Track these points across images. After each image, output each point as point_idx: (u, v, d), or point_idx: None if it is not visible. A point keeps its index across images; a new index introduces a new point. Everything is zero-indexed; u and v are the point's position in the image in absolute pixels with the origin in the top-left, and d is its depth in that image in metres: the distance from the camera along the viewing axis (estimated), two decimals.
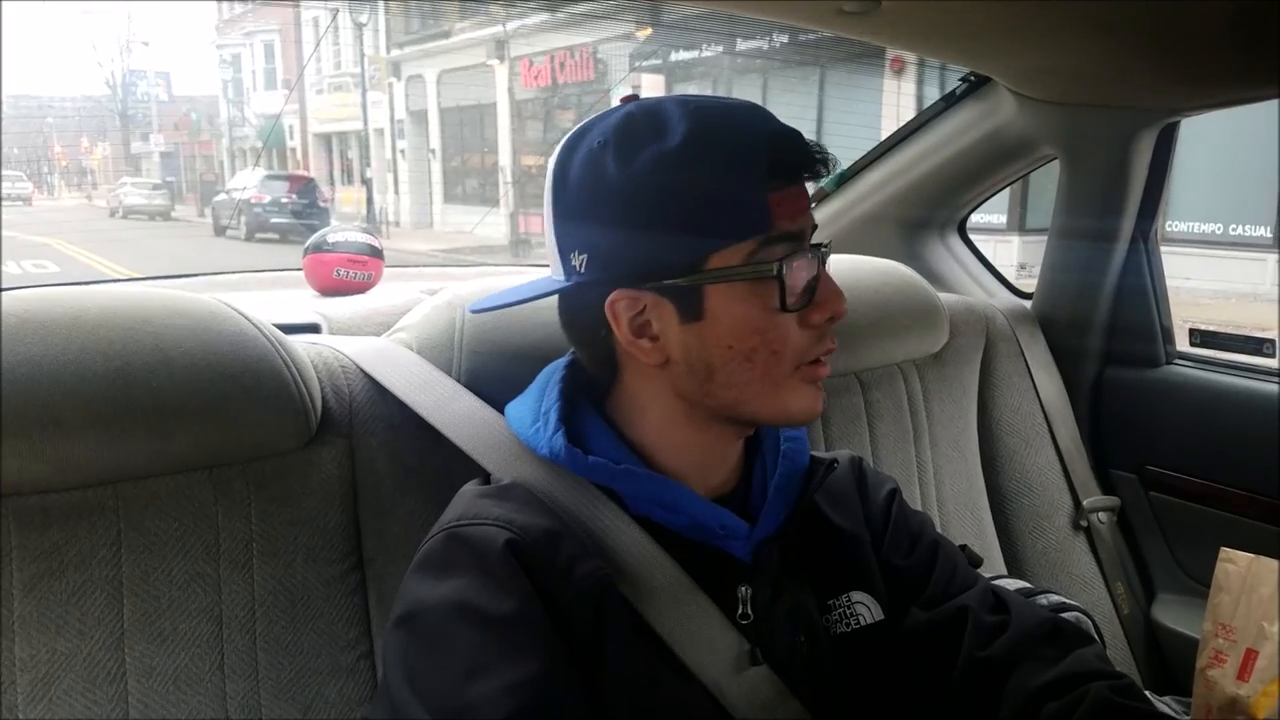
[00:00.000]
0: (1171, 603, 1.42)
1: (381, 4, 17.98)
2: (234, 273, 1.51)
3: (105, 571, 0.74)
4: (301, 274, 1.35)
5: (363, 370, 0.88)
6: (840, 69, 10.50)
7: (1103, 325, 1.47)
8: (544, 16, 13.96)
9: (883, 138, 1.61)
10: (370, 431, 0.86)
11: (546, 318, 0.80)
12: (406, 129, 19.02)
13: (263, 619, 0.78)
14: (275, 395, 0.79)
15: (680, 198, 0.64)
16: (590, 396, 0.74)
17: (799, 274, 0.66)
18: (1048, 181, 1.52)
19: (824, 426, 1.18)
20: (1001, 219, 8.40)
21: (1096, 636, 0.94)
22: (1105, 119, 1.34)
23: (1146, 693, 0.86)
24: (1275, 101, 1.19)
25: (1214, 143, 6.99)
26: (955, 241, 1.70)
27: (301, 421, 0.81)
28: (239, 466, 0.79)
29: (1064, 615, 0.87)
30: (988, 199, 1.64)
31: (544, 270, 0.75)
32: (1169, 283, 1.48)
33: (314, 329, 1.09)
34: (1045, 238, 1.53)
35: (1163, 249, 1.50)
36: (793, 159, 0.66)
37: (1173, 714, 0.99)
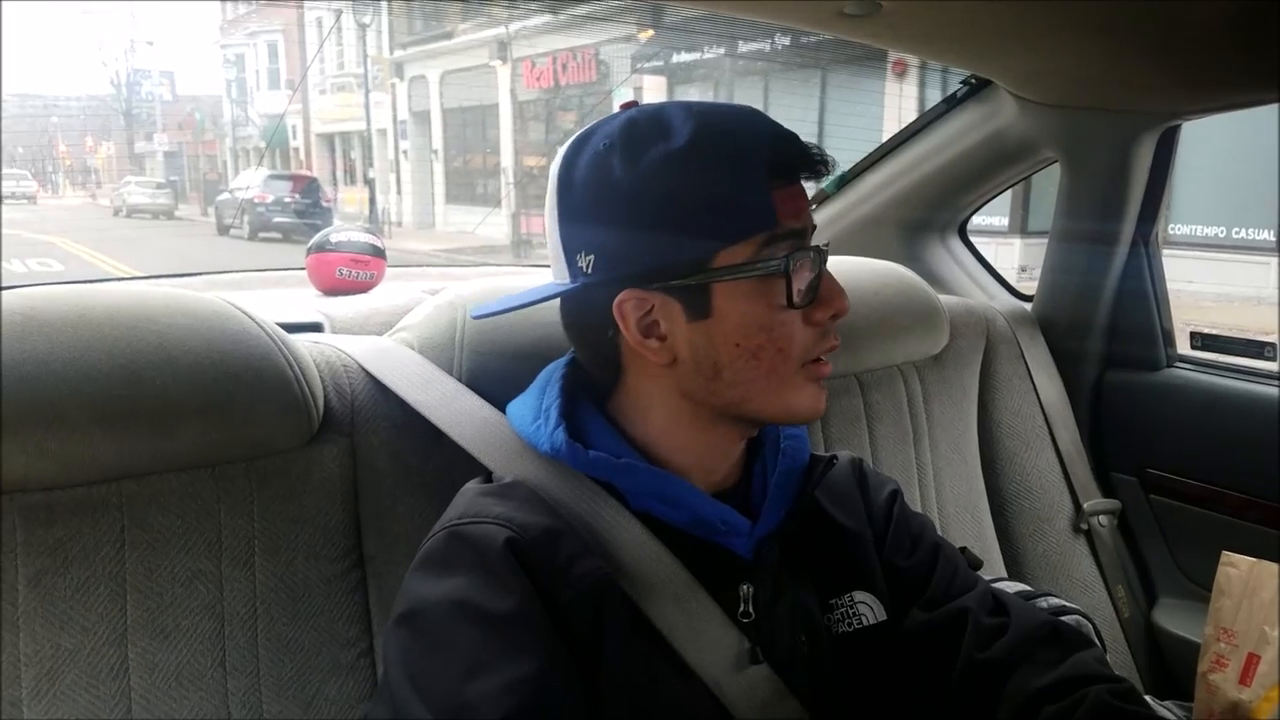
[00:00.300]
0: (1172, 606, 1.42)
1: (385, 5, 18.01)
2: (237, 272, 1.52)
3: (109, 568, 0.74)
4: (304, 273, 1.35)
5: (365, 369, 0.89)
6: (842, 71, 10.51)
7: (1103, 328, 1.47)
8: (546, 18, 13.98)
9: (884, 140, 1.61)
10: (372, 430, 0.86)
11: (546, 318, 0.80)
12: (409, 129, 19.05)
13: (264, 616, 0.79)
14: (278, 393, 0.80)
15: (687, 197, 0.65)
16: (591, 395, 0.74)
17: (803, 271, 0.67)
18: (1049, 184, 1.52)
19: (823, 428, 1.18)
20: (1003, 221, 8.40)
21: (1097, 640, 0.94)
22: (1106, 122, 1.34)
23: (1147, 697, 0.86)
24: (1277, 105, 1.19)
25: (1217, 146, 6.98)
26: (956, 244, 1.70)
27: (304, 420, 0.81)
28: (242, 464, 0.79)
29: (1064, 618, 0.87)
30: (989, 201, 1.64)
31: (545, 271, 0.75)
32: (1171, 286, 1.48)
33: (316, 328, 1.09)
34: (1046, 241, 1.53)
35: (1165, 252, 1.50)
36: (793, 158, 0.67)
37: (1173, 719, 0.99)
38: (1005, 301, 1.60)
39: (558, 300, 0.74)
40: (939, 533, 0.86)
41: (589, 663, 0.64)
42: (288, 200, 15.64)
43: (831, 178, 1.41)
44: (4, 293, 0.76)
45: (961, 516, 1.30)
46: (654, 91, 12.55)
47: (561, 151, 0.71)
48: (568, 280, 0.70)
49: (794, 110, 10.35)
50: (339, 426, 0.85)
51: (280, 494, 0.81)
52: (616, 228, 0.66)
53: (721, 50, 11.86)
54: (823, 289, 0.68)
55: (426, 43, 18.15)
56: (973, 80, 1.45)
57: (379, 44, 19.25)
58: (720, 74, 12.35)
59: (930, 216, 1.64)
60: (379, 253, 1.36)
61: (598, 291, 0.68)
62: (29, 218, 20.46)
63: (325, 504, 0.83)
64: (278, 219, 15.24)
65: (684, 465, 0.72)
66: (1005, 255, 7.59)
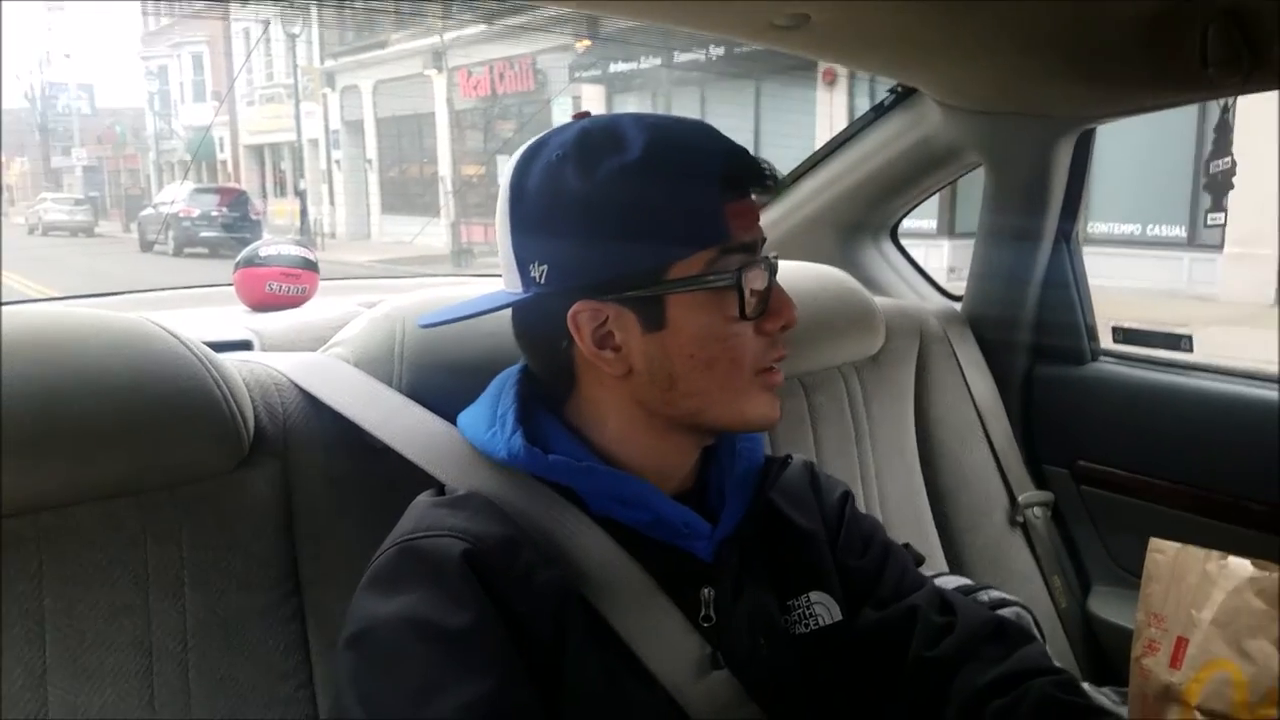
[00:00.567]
0: (1106, 594, 1.46)
1: (315, 15, 17.65)
2: (161, 290, 1.47)
3: (25, 606, 0.70)
4: (232, 290, 1.32)
5: (299, 387, 0.86)
6: (775, 81, 10.66)
7: (1030, 324, 1.52)
8: (482, 28, 13.87)
9: (817, 147, 1.64)
10: (306, 451, 0.84)
11: (490, 329, 0.79)
12: (342, 139, 18.69)
13: (195, 650, 0.75)
14: (205, 415, 0.76)
15: (642, 209, 0.66)
16: (546, 403, 0.74)
17: (755, 283, 0.68)
18: (975, 188, 1.56)
19: (770, 431, 1.19)
20: (932, 224, 8.59)
21: (1036, 631, 0.96)
22: (1026, 126, 1.39)
23: (1085, 685, 0.88)
24: (1184, 108, 1.25)
25: (1131, 146, 7.28)
26: (888, 246, 1.73)
27: (233, 442, 0.78)
28: (167, 491, 0.76)
29: (1004, 611, 0.89)
30: (918, 204, 1.68)
31: (486, 280, 0.74)
32: (1093, 282, 1.53)
33: (246, 346, 1.06)
34: (973, 242, 1.57)
35: (1085, 249, 1.56)
36: (745, 173, 0.69)
37: (1111, 705, 1.01)
38: (936, 302, 1.64)
39: (505, 311, 0.73)
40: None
41: (549, 673, 0.64)
42: (215, 214, 15.22)
43: None
44: None
45: (903, 512, 1.33)
46: (592, 101, 12.54)
47: (513, 160, 0.70)
48: (520, 290, 0.70)
49: (730, 119, 10.46)
50: (271, 448, 0.82)
51: (210, 521, 0.77)
52: (570, 238, 0.66)
53: (658, 60, 11.92)
54: (773, 300, 0.70)
55: (359, 53, 17.84)
56: (899, 89, 1.48)
57: (309, 54, 18.86)
58: (657, 84, 12.42)
59: (863, 220, 1.67)
60: (311, 266, 1.33)
61: (551, 302, 0.68)
62: None
63: (258, 529, 0.80)
64: (204, 233, 14.81)
65: (641, 470, 0.72)
66: (935, 256, 7.76)
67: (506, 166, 0.71)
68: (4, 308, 0.77)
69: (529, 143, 0.71)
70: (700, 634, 0.70)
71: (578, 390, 0.72)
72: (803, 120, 9.58)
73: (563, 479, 0.70)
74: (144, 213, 17.87)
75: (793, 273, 1.28)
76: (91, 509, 0.73)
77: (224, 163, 24.12)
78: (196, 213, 15.14)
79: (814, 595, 0.78)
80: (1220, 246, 7.81)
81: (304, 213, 17.17)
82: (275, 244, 1.33)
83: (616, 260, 0.66)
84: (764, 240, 0.71)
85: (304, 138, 18.72)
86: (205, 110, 23.80)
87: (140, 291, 1.41)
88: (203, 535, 0.77)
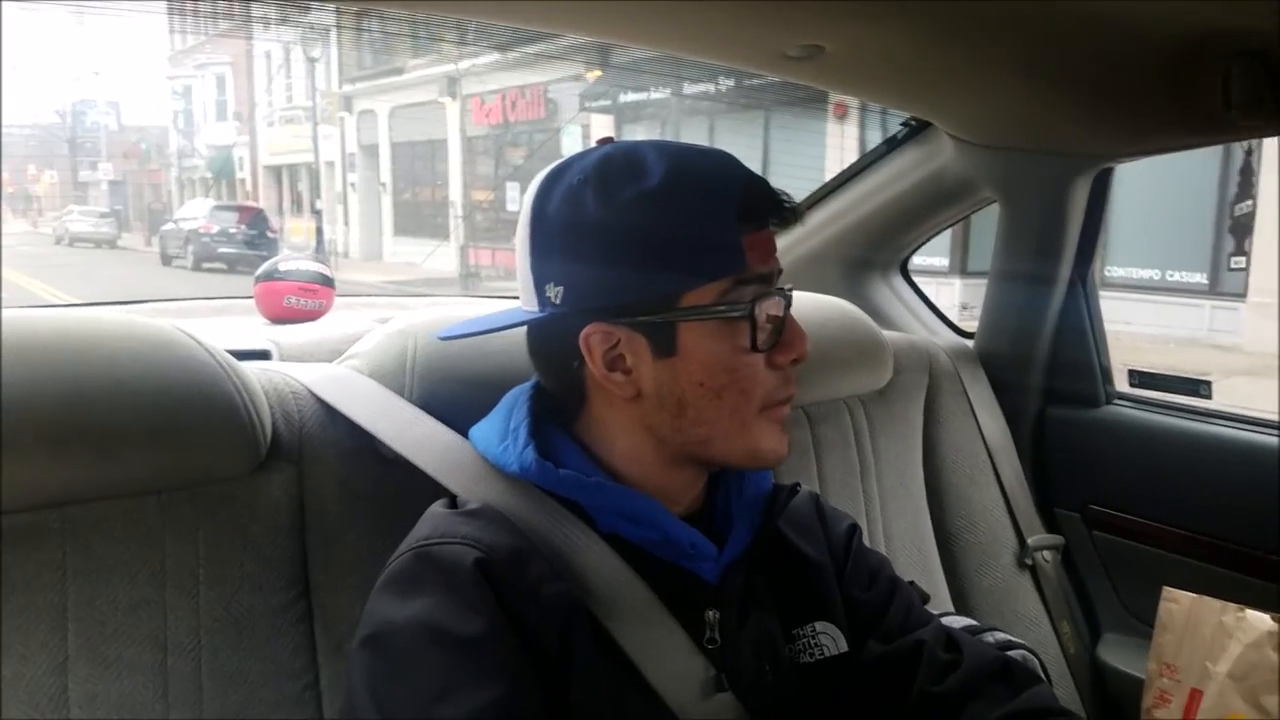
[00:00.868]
0: (1117, 642, 1.43)
1: (335, 40, 17.97)
2: (183, 299, 1.53)
3: (50, 596, 0.73)
4: (250, 302, 1.35)
5: (316, 396, 0.88)
6: (785, 113, 10.74)
7: (1043, 365, 1.50)
8: (496, 56, 14.08)
9: (826, 180, 1.63)
10: (319, 458, 0.85)
11: (499, 346, 0.81)
12: (358, 162, 18.98)
13: (208, 647, 0.78)
14: (225, 420, 0.79)
15: (659, 235, 0.67)
16: (557, 419, 0.75)
17: (768, 315, 0.69)
18: (988, 226, 1.55)
19: None
20: (944, 262, 8.59)
21: (1044, 676, 0.94)
22: (1041, 164, 1.37)
23: None
24: (1207, 149, 1.23)
25: (1151, 188, 7.24)
26: (898, 281, 1.72)
27: (251, 447, 0.80)
28: (187, 491, 0.79)
29: (1011, 654, 0.87)
30: (929, 240, 1.67)
31: (494, 302, 0.75)
32: (1109, 327, 1.51)
33: (264, 355, 1.08)
34: (986, 280, 1.55)
35: (1103, 293, 1.54)
36: (764, 204, 0.70)
37: None
38: (947, 337, 1.62)
39: (514, 330, 0.75)
40: None
41: (556, 684, 0.64)
42: (233, 231, 15.50)
43: None
44: None
45: (908, 550, 1.30)
46: (602, 130, 12.67)
47: (536, 182, 0.72)
48: (536, 309, 0.71)
49: (739, 150, 10.40)
50: (287, 454, 0.84)
51: (226, 522, 0.80)
52: (587, 261, 0.67)
53: (668, 91, 12.06)
54: (785, 333, 0.71)
55: (376, 78, 18.15)
56: (912, 122, 1.47)
57: (328, 78, 19.19)
58: (667, 113, 12.55)
59: (873, 254, 1.66)
60: (328, 282, 1.36)
61: (565, 322, 0.69)
62: None
63: (272, 532, 0.82)
64: (223, 249, 15.07)
65: (650, 490, 0.72)
66: (946, 294, 7.75)
67: (529, 188, 0.73)
68: (40, 311, 0.80)
69: (552, 165, 0.73)
70: (704, 655, 0.70)
71: (588, 409, 0.73)
72: (813, 153, 9.63)
73: (572, 494, 0.70)
74: (165, 227, 18.20)
75: (800, 303, 1.26)
76: (115, 505, 0.76)
77: (243, 181, 24.49)
78: (216, 229, 15.43)
79: (819, 625, 0.78)
80: (1243, 295, 7.73)
81: (319, 232, 17.42)
82: (294, 260, 1.36)
83: (630, 285, 0.67)
84: (780, 271, 0.72)
85: (321, 159, 19.01)
86: (227, 129, 24.23)
87: (164, 300, 1.46)
88: (219, 535, 0.79)
